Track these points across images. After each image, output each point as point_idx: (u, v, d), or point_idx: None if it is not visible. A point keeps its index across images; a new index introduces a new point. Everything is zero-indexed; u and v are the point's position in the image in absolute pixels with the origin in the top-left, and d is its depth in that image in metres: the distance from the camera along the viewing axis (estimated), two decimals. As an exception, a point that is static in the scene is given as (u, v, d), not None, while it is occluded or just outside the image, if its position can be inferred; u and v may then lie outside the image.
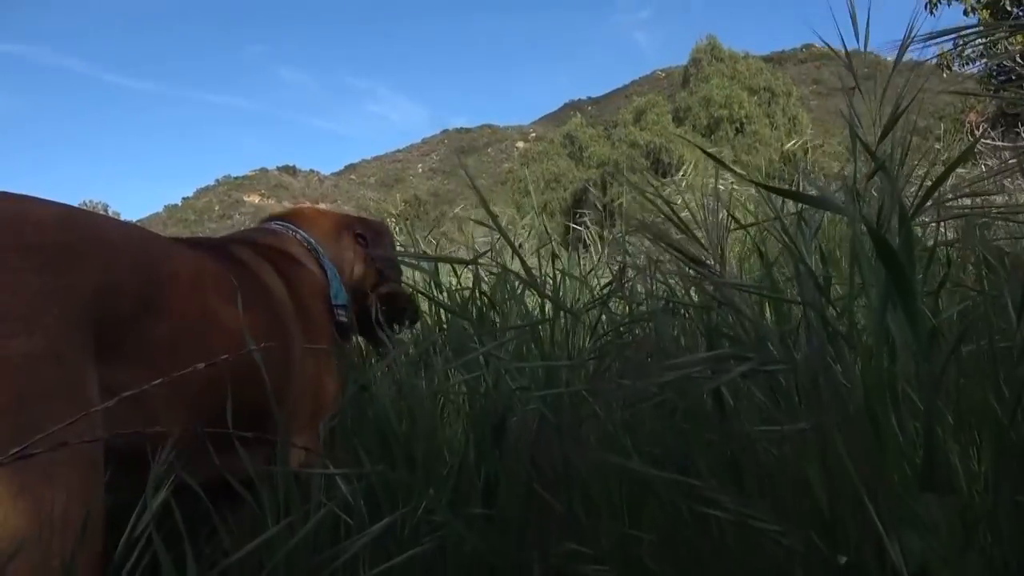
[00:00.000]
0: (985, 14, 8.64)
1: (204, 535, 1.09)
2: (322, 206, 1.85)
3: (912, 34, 0.98)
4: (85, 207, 1.03)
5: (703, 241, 0.92)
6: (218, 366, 0.94)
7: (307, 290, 1.46)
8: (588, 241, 3.46)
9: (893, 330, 0.74)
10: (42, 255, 0.84)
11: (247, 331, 1.07)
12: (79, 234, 0.92)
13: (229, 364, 0.99)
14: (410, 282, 1.92)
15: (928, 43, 0.98)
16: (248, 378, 1.04)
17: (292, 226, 1.61)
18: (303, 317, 1.37)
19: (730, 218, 1.35)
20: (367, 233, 1.75)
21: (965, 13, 8.86)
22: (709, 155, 0.85)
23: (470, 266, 1.89)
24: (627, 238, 1.65)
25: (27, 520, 0.72)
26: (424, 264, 1.78)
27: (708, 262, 0.89)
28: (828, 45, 1.09)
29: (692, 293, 1.13)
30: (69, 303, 0.84)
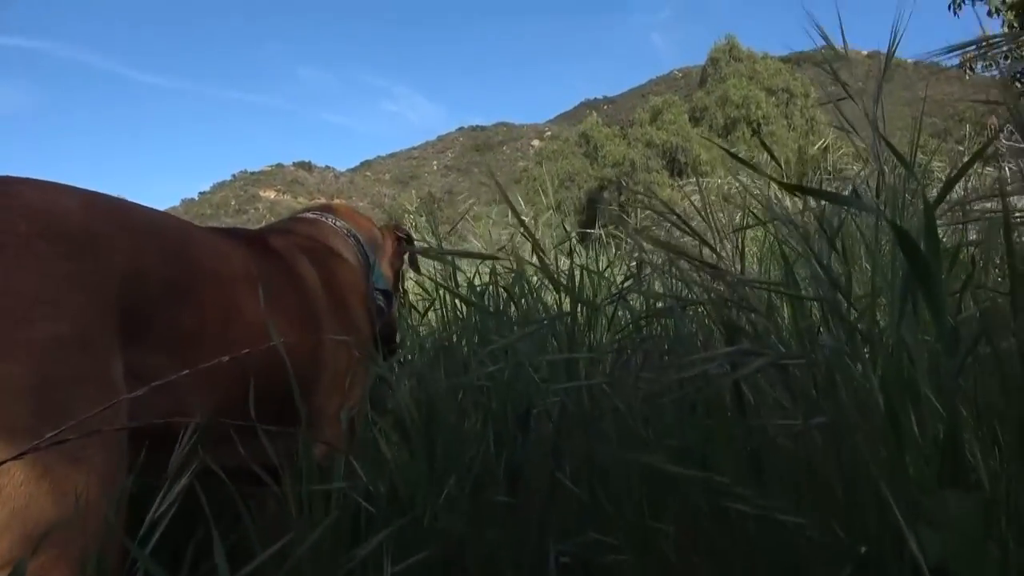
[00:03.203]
0: (1011, 15, 8.49)
1: (227, 522, 1.11)
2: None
3: (896, 40, 0.99)
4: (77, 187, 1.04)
5: (713, 243, 0.93)
6: (246, 356, 0.95)
7: (343, 282, 1.47)
8: (604, 240, 3.47)
9: (907, 329, 0.74)
10: (69, 241, 0.85)
11: (274, 322, 1.08)
12: (107, 221, 0.93)
13: (256, 353, 1.00)
14: (429, 277, 1.94)
15: (954, 53, 0.98)
16: (277, 367, 1.05)
17: (331, 216, 1.64)
18: (337, 309, 1.38)
19: (747, 215, 1.35)
20: (406, 238, 1.81)
21: (989, 14, 8.71)
22: (730, 153, 0.86)
23: (487, 263, 1.91)
24: (643, 234, 1.65)
25: (52, 502, 0.73)
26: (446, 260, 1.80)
27: (720, 263, 0.90)
28: (831, 46, 1.09)
29: (708, 290, 1.14)
30: (96, 288, 0.85)
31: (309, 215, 1.65)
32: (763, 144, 1.00)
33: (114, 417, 0.80)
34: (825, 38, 1.03)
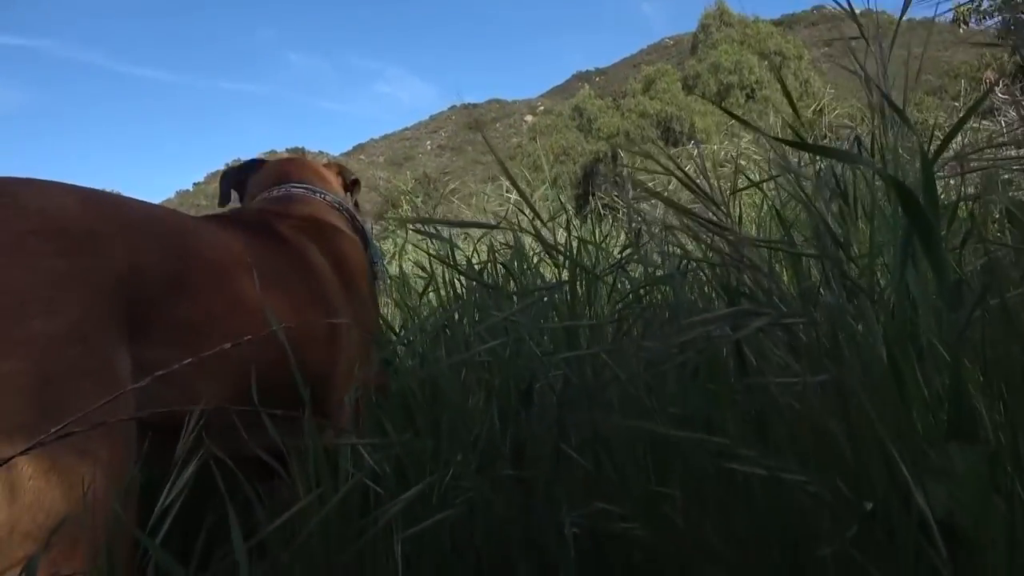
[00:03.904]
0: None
1: (236, 509, 1.12)
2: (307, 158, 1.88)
3: None
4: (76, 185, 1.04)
5: (716, 200, 0.91)
6: (258, 345, 0.95)
7: (351, 263, 1.47)
8: (600, 212, 3.46)
9: (911, 283, 0.74)
10: (65, 238, 0.85)
11: (284, 309, 1.08)
12: (104, 218, 0.93)
13: (269, 343, 1.00)
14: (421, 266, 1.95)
15: (948, 3, 0.96)
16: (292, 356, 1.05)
17: (316, 189, 1.63)
18: (348, 292, 1.39)
19: (742, 176, 1.34)
20: (350, 177, 1.84)
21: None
22: (731, 114, 0.85)
23: (484, 241, 1.90)
24: (641, 204, 1.64)
25: (61, 495, 0.74)
26: (443, 234, 1.80)
27: (722, 221, 0.89)
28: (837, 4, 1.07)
29: (708, 255, 1.13)
30: (94, 285, 0.85)
31: (298, 191, 1.62)
32: (784, 89, 0.97)
33: (119, 410, 0.80)
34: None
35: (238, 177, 1.81)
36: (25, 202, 0.86)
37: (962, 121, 0.74)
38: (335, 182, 1.80)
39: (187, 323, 0.99)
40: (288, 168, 1.72)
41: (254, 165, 1.83)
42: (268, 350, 1.00)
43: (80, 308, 0.82)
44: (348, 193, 1.86)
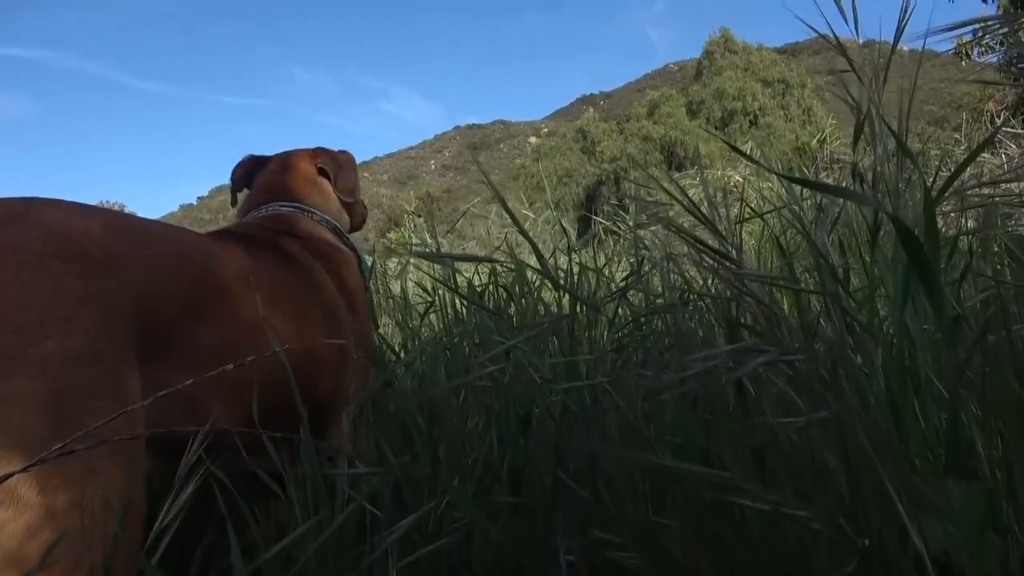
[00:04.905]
0: (1006, 0, 8.47)
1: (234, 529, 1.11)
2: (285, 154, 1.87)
3: (906, 19, 0.98)
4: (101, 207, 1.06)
5: (722, 230, 0.92)
6: (274, 367, 0.97)
7: (352, 281, 1.49)
8: (602, 237, 3.47)
9: (909, 320, 0.74)
10: (85, 260, 0.87)
11: (301, 331, 1.10)
12: (125, 241, 0.95)
13: (285, 364, 1.01)
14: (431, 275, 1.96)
15: (948, 34, 0.97)
16: (307, 378, 1.07)
17: (309, 208, 1.64)
18: (351, 310, 1.41)
19: (745, 207, 1.35)
20: (331, 166, 1.83)
21: (984, 0, 8.70)
22: (733, 148, 0.86)
23: (485, 262, 1.91)
24: (643, 231, 1.65)
25: (69, 511, 0.75)
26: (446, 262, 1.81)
27: (727, 251, 0.89)
28: (821, 35, 1.08)
29: (710, 285, 1.14)
30: (111, 306, 0.87)
31: (287, 209, 1.63)
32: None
33: (127, 429, 0.81)
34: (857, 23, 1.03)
35: (250, 171, 1.83)
36: (48, 223, 0.88)
37: (964, 164, 0.75)
38: (330, 191, 1.81)
39: (206, 346, 1.00)
40: (287, 183, 1.72)
41: (263, 161, 1.85)
42: (284, 372, 1.01)
43: (96, 329, 0.83)
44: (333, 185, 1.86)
